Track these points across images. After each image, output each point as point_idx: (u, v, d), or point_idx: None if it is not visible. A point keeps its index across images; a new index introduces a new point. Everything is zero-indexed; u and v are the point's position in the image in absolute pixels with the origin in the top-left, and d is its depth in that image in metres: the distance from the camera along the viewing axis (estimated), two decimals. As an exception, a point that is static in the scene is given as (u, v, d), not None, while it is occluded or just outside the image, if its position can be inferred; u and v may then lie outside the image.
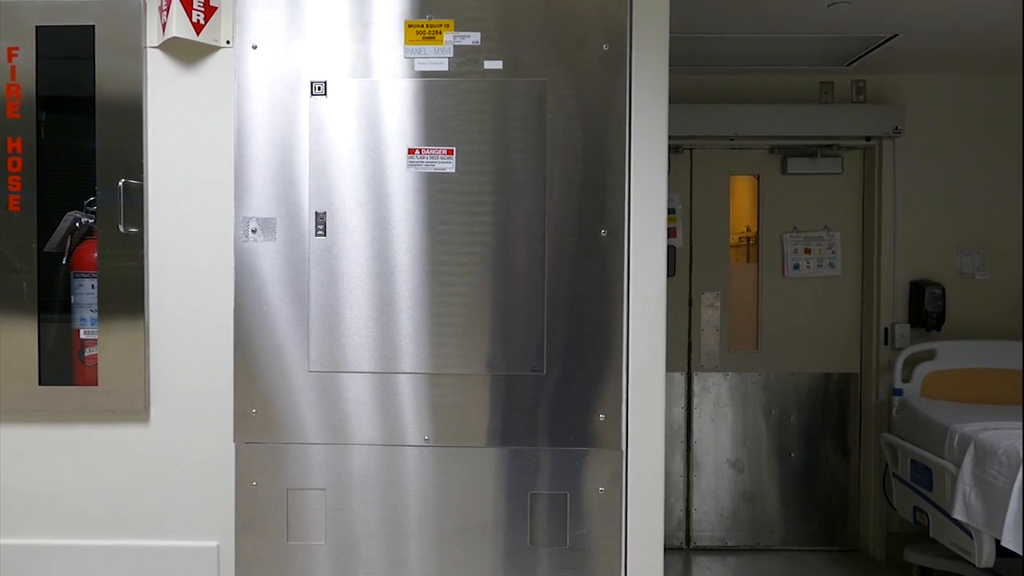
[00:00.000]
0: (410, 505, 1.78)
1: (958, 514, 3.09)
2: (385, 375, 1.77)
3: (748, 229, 4.58)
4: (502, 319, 1.75)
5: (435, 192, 1.76)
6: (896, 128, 4.14)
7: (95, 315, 1.82)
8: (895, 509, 3.96)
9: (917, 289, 4.26)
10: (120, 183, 1.80)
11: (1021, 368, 3.92)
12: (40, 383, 1.79)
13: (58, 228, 1.86)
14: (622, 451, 1.76)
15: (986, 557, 3.02)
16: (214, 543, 1.80)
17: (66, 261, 1.87)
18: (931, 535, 3.48)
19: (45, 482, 1.80)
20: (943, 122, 4.18)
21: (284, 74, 1.79)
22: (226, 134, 1.80)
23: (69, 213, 1.87)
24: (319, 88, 1.78)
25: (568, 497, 1.76)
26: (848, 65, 3.91)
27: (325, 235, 1.77)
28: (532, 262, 1.75)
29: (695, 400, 4.53)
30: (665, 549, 4.57)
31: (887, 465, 4.03)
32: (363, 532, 1.78)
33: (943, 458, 3.33)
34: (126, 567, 1.80)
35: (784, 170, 4.45)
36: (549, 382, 1.75)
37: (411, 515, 1.78)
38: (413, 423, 1.77)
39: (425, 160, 1.77)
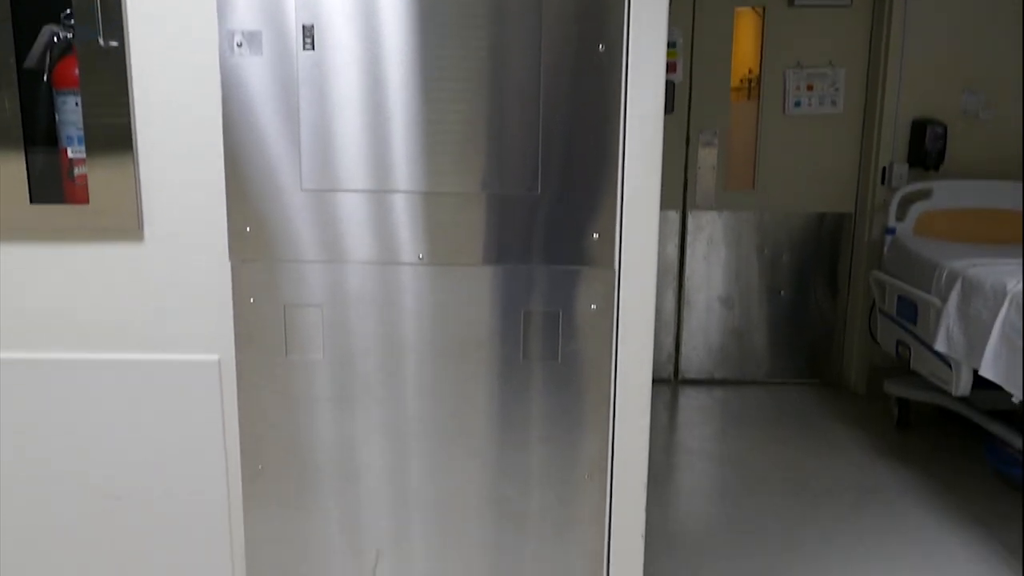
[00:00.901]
0: (406, 322, 1.81)
1: (940, 346, 3.17)
2: (379, 193, 1.75)
3: (750, 71, 4.46)
4: (497, 137, 1.72)
5: (427, 5, 1.69)
6: (910, -44, 3.98)
7: (81, 133, 1.79)
8: (879, 344, 4.07)
9: (919, 128, 4.21)
10: (98, -7, 1.72)
11: (1020, 207, 3.92)
12: (31, 202, 1.78)
13: (36, 43, 1.79)
14: (615, 270, 1.77)
15: (963, 386, 3.13)
16: (215, 357, 1.84)
17: (47, 78, 1.81)
18: (911, 367, 3.60)
19: (41, 299, 1.82)
20: (960, -51, 4.01)
21: None
22: (207, -60, 1.70)
23: (46, 27, 1.80)
24: None
25: (560, 314, 1.79)
26: None
27: (313, 49, 1.71)
28: (527, 78, 1.70)
29: (689, 238, 4.56)
30: (654, 381, 4.72)
31: (874, 302, 4.11)
32: (360, 348, 1.82)
33: (930, 293, 3.38)
34: (129, 380, 1.85)
35: (791, 2, 4.29)
36: (543, 201, 1.75)
37: (407, 331, 1.81)
38: (408, 242, 1.77)
39: (417, -30, 1.68)
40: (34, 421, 1.87)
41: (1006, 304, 2.82)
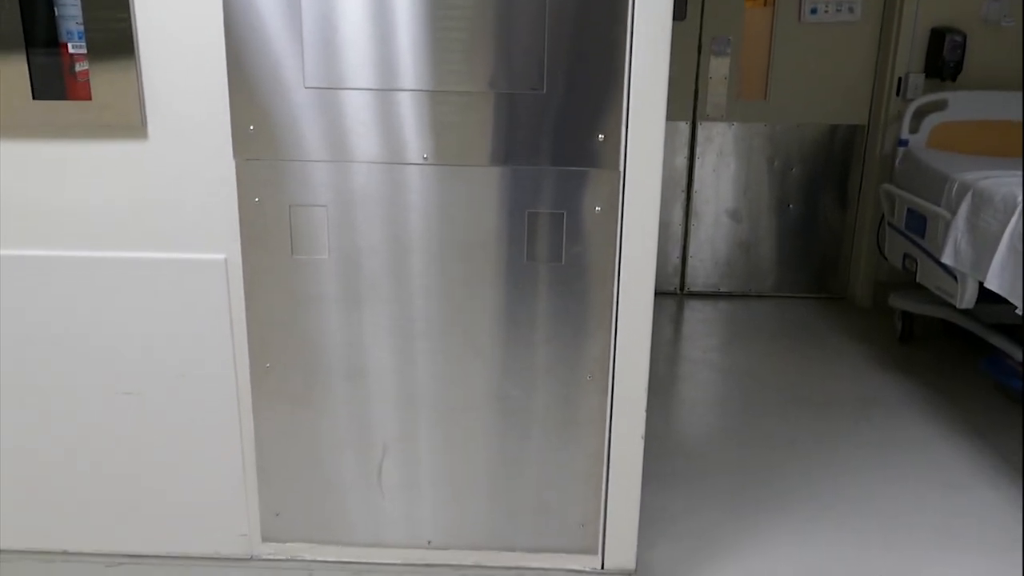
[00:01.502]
0: (411, 222, 1.81)
1: (947, 258, 3.17)
2: (383, 92, 1.74)
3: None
4: (503, 35, 1.69)
5: None
6: None
7: (81, 28, 1.76)
8: (886, 258, 4.06)
9: (937, 37, 4.10)
10: None
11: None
12: (34, 97, 1.76)
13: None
14: (620, 171, 1.76)
15: (968, 298, 3.14)
16: (222, 256, 1.86)
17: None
18: (917, 280, 3.60)
19: (47, 196, 1.83)
20: None
21: None
22: None
23: (44, -83, 1.75)
24: None
25: (565, 216, 1.80)
26: None
27: (315, -61, 1.67)
28: (535, -27, 1.66)
29: (698, 150, 4.51)
30: (659, 294, 4.73)
31: (883, 216, 4.08)
32: (365, 247, 1.83)
33: (940, 206, 3.36)
34: (136, 278, 1.87)
35: (811, -99, 4.14)
36: (549, 101, 1.73)
37: (412, 232, 1.82)
38: (413, 141, 1.76)
39: None
40: (43, 318, 1.90)
41: (1016, 215, 2.80)
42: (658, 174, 1.76)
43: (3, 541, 2.08)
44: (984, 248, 2.97)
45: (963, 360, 3.77)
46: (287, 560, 2.09)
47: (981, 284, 3.01)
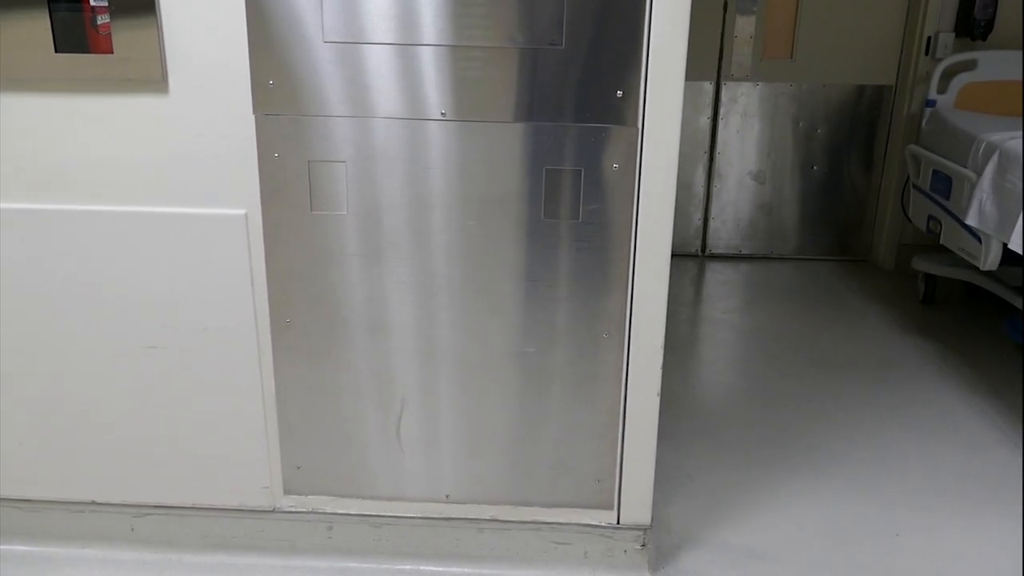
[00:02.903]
0: (429, 178, 1.82)
1: (971, 220, 3.13)
2: (403, 47, 1.73)
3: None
4: (521, -12, 1.68)
5: None
6: None
7: (103, -18, 1.77)
8: (910, 220, 4.02)
9: (969, -6, 4.01)
10: None
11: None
12: (56, 51, 1.78)
13: None
14: (638, 128, 1.75)
15: (991, 260, 3.11)
16: (242, 211, 1.88)
17: (66, -76, 1.78)
18: (941, 242, 3.56)
19: (67, 150, 1.85)
20: None
21: None
22: None
23: None
24: None
25: (583, 173, 1.79)
26: None
27: None
28: (554, -75, 1.64)
29: (722, 110, 4.46)
30: (681, 256, 4.73)
31: (908, 178, 4.04)
32: (385, 203, 1.84)
33: (966, 167, 3.32)
34: (156, 232, 1.89)
35: None
36: (568, 57, 1.72)
37: (431, 188, 1.83)
38: (432, 96, 1.76)
39: None
40: (64, 273, 1.93)
41: (1043, 177, 2.76)
42: (676, 131, 1.75)
43: (34, 491, 2.14)
44: (1009, 209, 2.93)
45: (984, 323, 3.74)
46: (308, 512, 2.13)
47: (1005, 246, 2.98)
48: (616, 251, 1.85)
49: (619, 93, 1.73)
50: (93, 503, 2.15)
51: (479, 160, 1.80)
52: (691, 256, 4.69)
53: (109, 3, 1.75)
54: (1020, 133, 3.15)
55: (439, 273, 1.90)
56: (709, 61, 4.34)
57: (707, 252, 4.71)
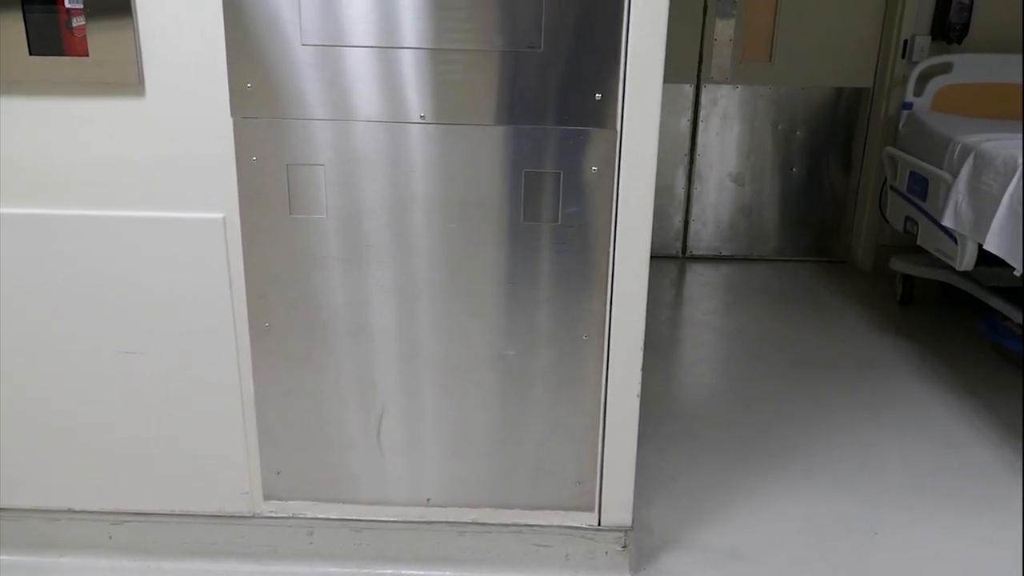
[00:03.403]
0: (409, 181, 1.81)
1: (947, 221, 3.16)
2: (382, 49, 1.73)
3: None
4: (500, -9, 1.68)
5: None
6: None
7: (78, -16, 1.75)
8: (887, 222, 4.06)
9: (944, -2, 4.06)
10: None
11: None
12: (30, 53, 1.76)
13: None
14: (617, 131, 1.76)
15: (967, 261, 3.14)
16: (220, 215, 1.86)
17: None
18: (918, 243, 3.60)
19: (42, 153, 1.83)
20: None
21: None
22: None
23: None
24: None
25: (562, 175, 1.79)
26: None
27: None
28: (532, -72, 1.65)
29: (702, 113, 4.48)
30: (661, 257, 4.75)
31: (885, 179, 4.07)
32: (364, 207, 1.84)
33: (942, 169, 3.35)
34: (133, 237, 1.87)
35: None
36: (546, 60, 1.72)
37: (410, 191, 1.82)
38: (411, 99, 1.76)
39: None
40: (41, 278, 1.91)
41: (1016, 178, 2.79)
42: (655, 134, 1.76)
43: (8, 499, 2.12)
44: (984, 210, 2.97)
45: (961, 323, 3.78)
46: (289, 518, 2.12)
47: (980, 247, 3.02)
48: (596, 253, 1.86)
49: (598, 96, 1.74)
50: (70, 511, 2.13)
51: (459, 163, 1.80)
52: (672, 258, 4.71)
53: (84, 5, 1.74)
54: (994, 135, 3.19)
55: (419, 276, 1.89)
56: (689, 64, 4.37)
57: (687, 254, 4.73)
